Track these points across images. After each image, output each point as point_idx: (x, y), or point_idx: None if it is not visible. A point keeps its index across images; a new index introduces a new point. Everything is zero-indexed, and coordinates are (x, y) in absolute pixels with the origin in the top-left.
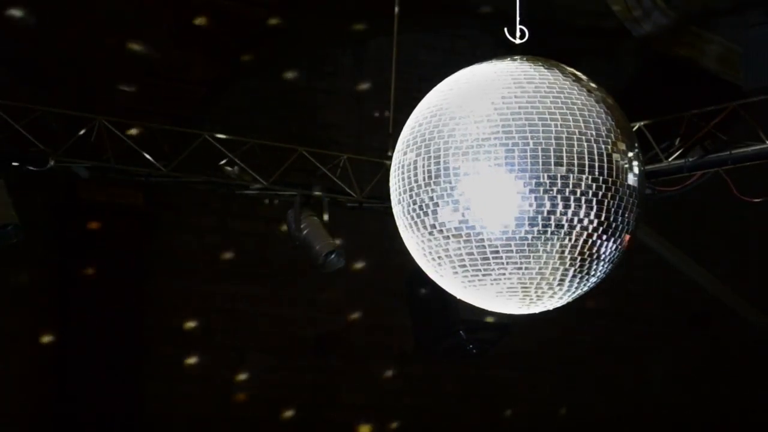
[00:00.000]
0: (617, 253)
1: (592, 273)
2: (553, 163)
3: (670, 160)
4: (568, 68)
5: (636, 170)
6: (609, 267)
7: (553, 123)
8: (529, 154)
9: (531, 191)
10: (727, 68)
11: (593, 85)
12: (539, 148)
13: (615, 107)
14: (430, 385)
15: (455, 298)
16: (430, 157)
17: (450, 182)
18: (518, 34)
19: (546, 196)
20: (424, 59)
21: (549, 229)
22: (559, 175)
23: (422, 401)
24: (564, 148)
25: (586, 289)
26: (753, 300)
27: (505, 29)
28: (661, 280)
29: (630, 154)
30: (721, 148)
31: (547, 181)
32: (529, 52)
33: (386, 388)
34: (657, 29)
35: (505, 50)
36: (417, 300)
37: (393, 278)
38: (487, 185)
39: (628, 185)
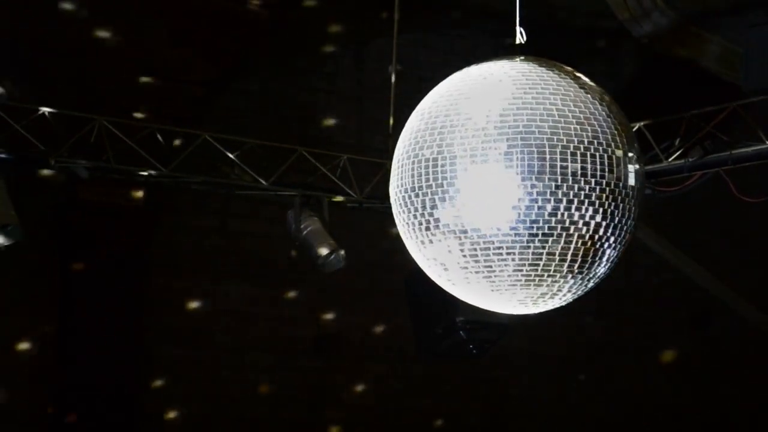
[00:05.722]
0: (617, 254)
1: (592, 273)
2: (554, 164)
3: (670, 160)
4: (568, 68)
5: (636, 171)
6: (609, 267)
7: (552, 124)
8: (529, 155)
9: (530, 192)
10: (727, 68)
11: (593, 85)
12: (540, 149)
13: (615, 108)
14: (430, 385)
15: (455, 298)
16: (430, 157)
17: (450, 183)
18: (518, 34)
19: (545, 197)
20: (424, 59)
21: (549, 230)
22: (559, 176)
23: (422, 401)
24: (565, 149)
25: (586, 289)
26: (753, 299)
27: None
28: (661, 280)
29: (630, 155)
30: (721, 148)
31: (547, 182)
32: (529, 52)
33: (386, 388)
34: (657, 29)
35: (505, 50)
36: (417, 300)
37: (393, 278)
38: (487, 186)
39: (628, 186)
